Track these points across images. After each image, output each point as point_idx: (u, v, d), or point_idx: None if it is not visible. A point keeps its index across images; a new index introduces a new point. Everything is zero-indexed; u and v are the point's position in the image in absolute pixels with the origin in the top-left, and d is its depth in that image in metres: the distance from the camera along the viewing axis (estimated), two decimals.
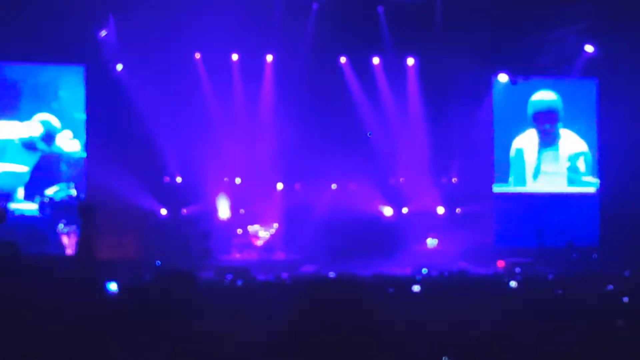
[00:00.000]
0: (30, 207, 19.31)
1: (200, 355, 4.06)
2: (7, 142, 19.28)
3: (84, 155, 19.33)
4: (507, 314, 6.95)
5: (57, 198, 19.45)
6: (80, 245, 5.40)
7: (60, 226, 19.19)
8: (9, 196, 19.12)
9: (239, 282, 13.64)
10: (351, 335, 2.83)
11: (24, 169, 19.34)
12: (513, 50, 19.62)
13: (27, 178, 19.37)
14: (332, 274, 15.60)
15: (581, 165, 21.39)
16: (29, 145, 19.40)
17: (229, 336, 4.42)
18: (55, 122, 19.49)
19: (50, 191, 19.43)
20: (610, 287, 7.86)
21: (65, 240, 19.26)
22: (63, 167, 19.56)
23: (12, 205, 19.03)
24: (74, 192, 18.96)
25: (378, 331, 2.82)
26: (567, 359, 5.02)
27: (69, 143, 19.54)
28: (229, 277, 14.51)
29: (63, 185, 19.49)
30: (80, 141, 19.48)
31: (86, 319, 4.17)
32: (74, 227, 18.71)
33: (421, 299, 9.52)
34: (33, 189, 19.39)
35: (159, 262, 17.20)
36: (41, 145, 19.37)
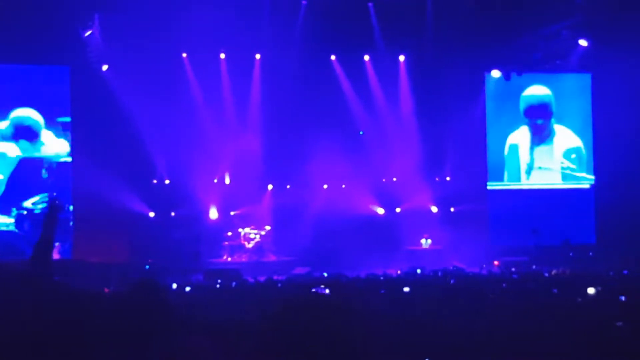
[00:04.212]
0: (6, 221, 17.48)
1: None
2: None
3: (69, 159, 18.56)
4: (503, 314, 6.71)
5: (37, 210, 17.71)
6: (40, 246, 5.07)
7: None
8: None
9: (233, 284, 13.40)
10: (344, 337, 2.62)
11: None
12: (506, 46, 19.36)
13: (2, 187, 17.67)
14: (325, 275, 15.38)
15: (575, 160, 21.12)
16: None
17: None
18: (36, 116, 18.11)
19: (29, 202, 17.77)
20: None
21: None
22: (44, 174, 17.97)
23: None
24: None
25: (370, 333, 2.59)
26: (563, 358, 4.83)
27: (55, 142, 18.22)
28: (219, 281, 14.26)
29: (44, 195, 17.79)
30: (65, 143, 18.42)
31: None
32: (57, 244, 17.24)
33: (415, 299, 9.27)
34: (9, 200, 17.45)
35: (147, 265, 16.96)
36: (23, 145, 18.01)
